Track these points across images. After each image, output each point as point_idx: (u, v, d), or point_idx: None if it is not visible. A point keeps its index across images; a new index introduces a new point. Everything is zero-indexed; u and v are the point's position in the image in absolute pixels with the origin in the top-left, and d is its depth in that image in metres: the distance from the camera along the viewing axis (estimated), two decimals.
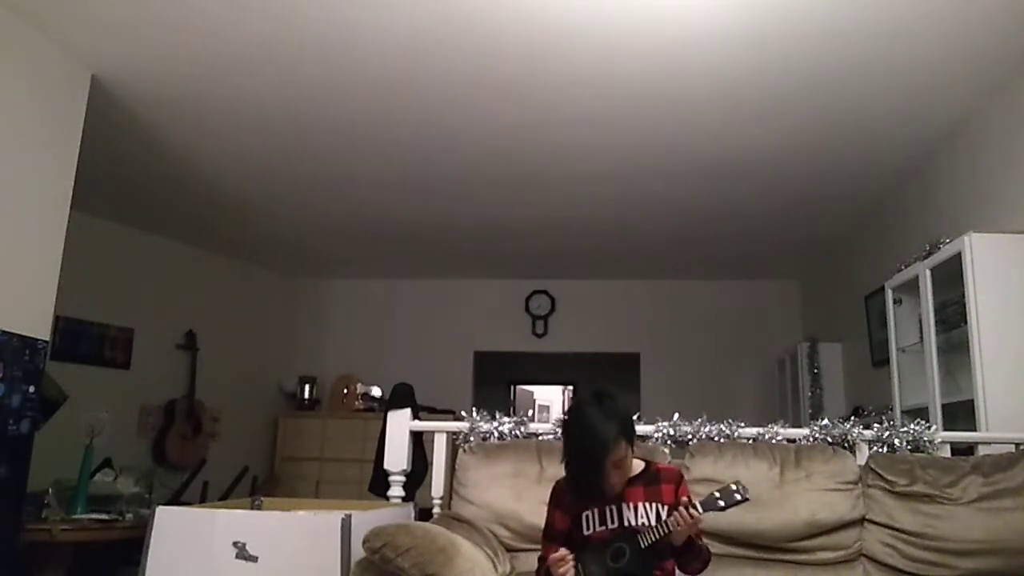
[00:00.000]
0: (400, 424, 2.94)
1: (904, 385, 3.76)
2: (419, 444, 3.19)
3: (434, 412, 5.97)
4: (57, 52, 3.20)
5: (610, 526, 2.00)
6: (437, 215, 5.31)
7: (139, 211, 5.35)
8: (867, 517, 2.47)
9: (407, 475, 2.92)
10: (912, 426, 2.76)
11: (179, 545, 2.21)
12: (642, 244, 5.87)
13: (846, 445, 2.71)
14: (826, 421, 2.78)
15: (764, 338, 6.62)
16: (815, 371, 5.42)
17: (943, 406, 3.29)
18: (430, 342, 7.00)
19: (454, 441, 2.86)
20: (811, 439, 2.73)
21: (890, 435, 2.73)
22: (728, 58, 3.16)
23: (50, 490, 3.61)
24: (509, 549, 2.45)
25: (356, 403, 6.60)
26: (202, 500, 5.24)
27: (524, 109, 3.68)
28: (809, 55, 3.12)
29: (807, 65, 3.20)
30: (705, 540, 2.09)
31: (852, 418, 3.16)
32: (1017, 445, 2.72)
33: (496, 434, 2.78)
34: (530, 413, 10.22)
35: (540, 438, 2.76)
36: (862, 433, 2.75)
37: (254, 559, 2.15)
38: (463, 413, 2.94)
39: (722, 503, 1.91)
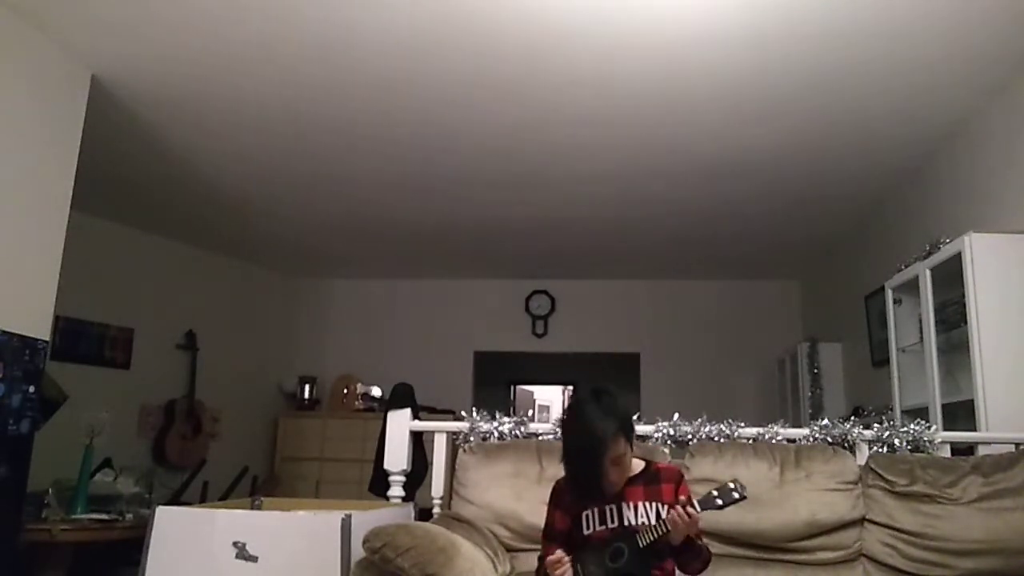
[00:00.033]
0: (400, 424, 2.94)
1: (904, 385, 3.76)
2: (419, 444, 3.19)
3: (434, 412, 5.97)
4: (57, 52, 3.20)
5: (610, 525, 2.00)
6: (437, 215, 5.31)
7: (139, 211, 5.35)
8: (867, 517, 2.47)
9: (407, 475, 2.92)
10: (912, 426, 2.75)
11: (179, 545, 2.21)
12: (642, 244, 5.87)
13: (846, 445, 2.71)
14: (826, 421, 2.78)
15: (764, 338, 6.62)
16: (815, 371, 5.42)
17: (943, 406, 3.29)
18: (430, 342, 7.00)
19: (454, 441, 2.86)
20: (811, 439, 2.73)
21: (890, 435, 2.73)
22: (728, 58, 3.16)
23: (50, 490, 3.61)
24: (509, 549, 2.45)
25: (356, 403, 6.60)
26: (202, 500, 5.24)
27: (524, 109, 3.68)
28: (809, 55, 3.12)
29: (807, 65, 3.20)
30: (705, 540, 2.09)
31: (852, 418, 3.16)
32: (1017, 445, 2.72)
33: (496, 434, 2.78)
34: (530, 413, 10.23)
35: (540, 438, 2.76)
36: (862, 433, 2.75)
37: (254, 559, 2.15)
38: (463, 413, 2.94)
39: (720, 502, 1.91)
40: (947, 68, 3.19)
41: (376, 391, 6.52)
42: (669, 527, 1.89)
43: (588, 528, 2.02)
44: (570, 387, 10.21)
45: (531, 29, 3.00)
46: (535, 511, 2.31)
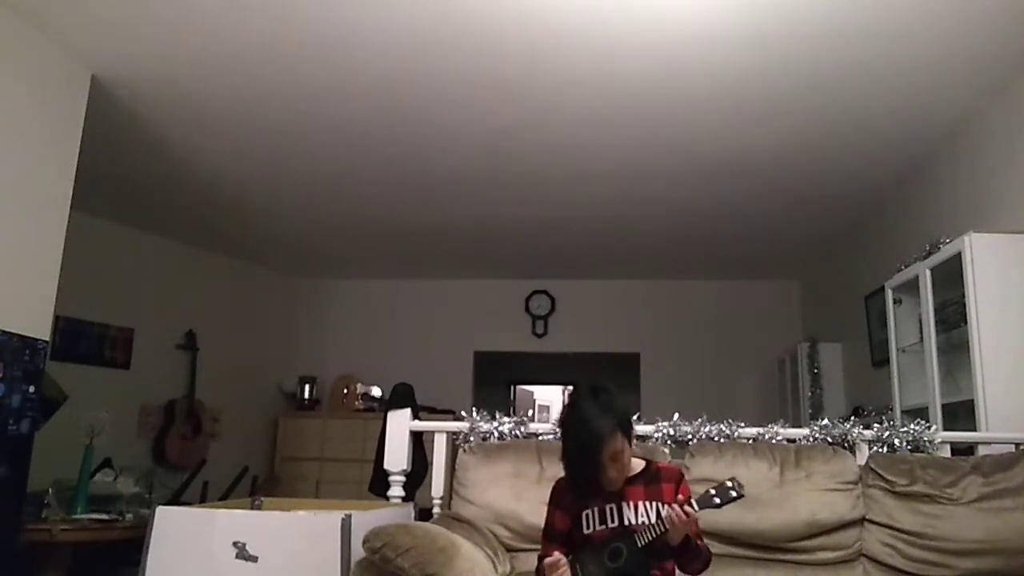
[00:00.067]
0: (400, 424, 2.94)
1: (904, 385, 3.76)
2: (419, 444, 3.19)
3: (434, 412, 5.97)
4: (57, 52, 3.20)
5: (610, 525, 2.00)
6: (437, 215, 5.31)
7: (139, 211, 5.35)
8: (867, 517, 2.47)
9: (407, 475, 2.92)
10: (912, 426, 2.75)
11: (179, 545, 2.21)
12: (642, 244, 5.87)
13: (846, 445, 2.71)
14: (826, 421, 2.78)
15: (764, 338, 6.62)
16: (815, 371, 5.42)
17: (943, 406, 3.29)
18: (430, 342, 7.00)
19: (454, 441, 2.86)
20: (811, 439, 2.73)
21: (890, 435, 2.73)
22: (728, 58, 3.16)
23: (50, 490, 3.61)
24: (509, 549, 2.45)
25: (356, 403, 6.60)
26: (202, 500, 5.24)
27: (524, 109, 3.68)
28: (809, 55, 3.12)
29: (807, 65, 3.20)
30: (705, 540, 2.09)
31: (852, 418, 3.16)
32: (1017, 445, 2.72)
33: (496, 434, 2.78)
34: (530, 413, 10.22)
35: (540, 438, 2.76)
36: (862, 433, 2.75)
37: (254, 559, 2.15)
38: (463, 413, 2.94)
39: (717, 500, 1.91)
40: (947, 68, 3.19)
41: (376, 391, 6.52)
42: (667, 526, 1.89)
43: (588, 528, 2.02)
44: (570, 387, 10.20)
45: (531, 29, 3.00)
46: (535, 511, 2.31)
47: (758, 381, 6.59)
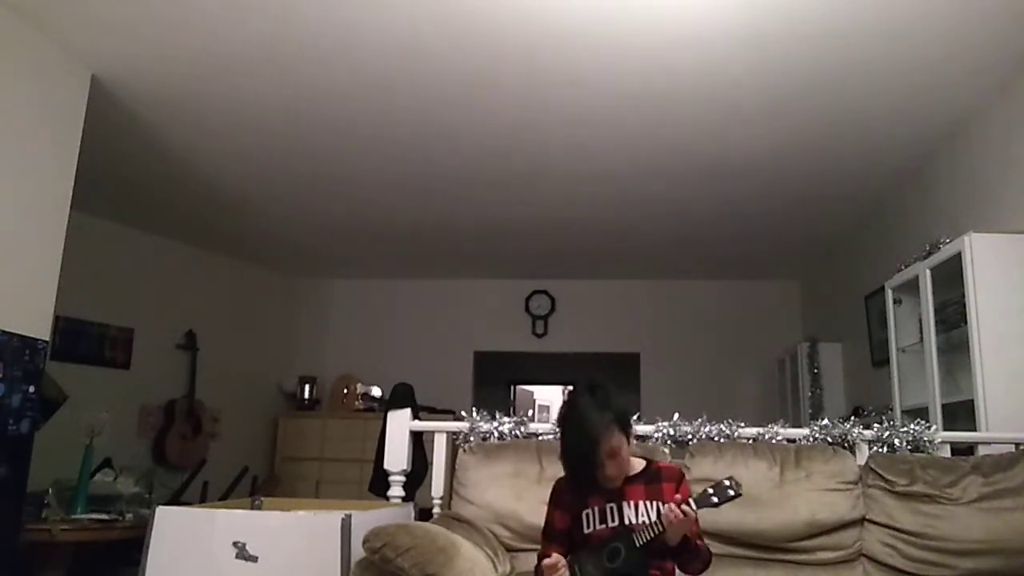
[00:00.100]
0: (400, 424, 2.94)
1: (904, 385, 3.76)
2: (419, 444, 3.19)
3: (434, 412, 5.97)
4: (57, 52, 3.20)
5: (610, 524, 2.00)
6: (437, 215, 5.31)
7: (139, 211, 5.35)
8: (867, 517, 2.47)
9: (407, 475, 2.92)
10: (912, 426, 2.75)
11: (179, 545, 2.21)
12: (642, 244, 5.87)
13: (846, 445, 2.71)
14: (826, 421, 2.78)
15: (764, 338, 6.62)
16: (815, 371, 5.42)
17: (943, 406, 3.28)
18: (430, 342, 7.00)
19: (454, 441, 2.86)
20: (811, 439, 2.73)
21: (890, 435, 2.73)
22: (728, 58, 3.16)
23: (50, 490, 3.61)
24: (509, 549, 2.45)
25: (356, 403, 6.60)
26: (202, 500, 5.24)
27: (524, 109, 3.68)
28: (809, 55, 3.12)
29: (807, 65, 3.20)
30: (705, 540, 2.09)
31: (852, 418, 3.15)
32: (1017, 445, 2.72)
33: (496, 434, 2.78)
34: (530, 413, 10.22)
35: (540, 438, 2.76)
36: (862, 433, 2.75)
37: (254, 559, 2.15)
38: (463, 413, 2.94)
39: (715, 499, 1.91)
40: (947, 68, 3.19)
41: (376, 391, 6.52)
42: (664, 525, 1.89)
43: (588, 527, 2.02)
44: (570, 387, 10.20)
45: (531, 29, 3.00)
46: (535, 511, 2.31)
47: (758, 381, 6.59)
